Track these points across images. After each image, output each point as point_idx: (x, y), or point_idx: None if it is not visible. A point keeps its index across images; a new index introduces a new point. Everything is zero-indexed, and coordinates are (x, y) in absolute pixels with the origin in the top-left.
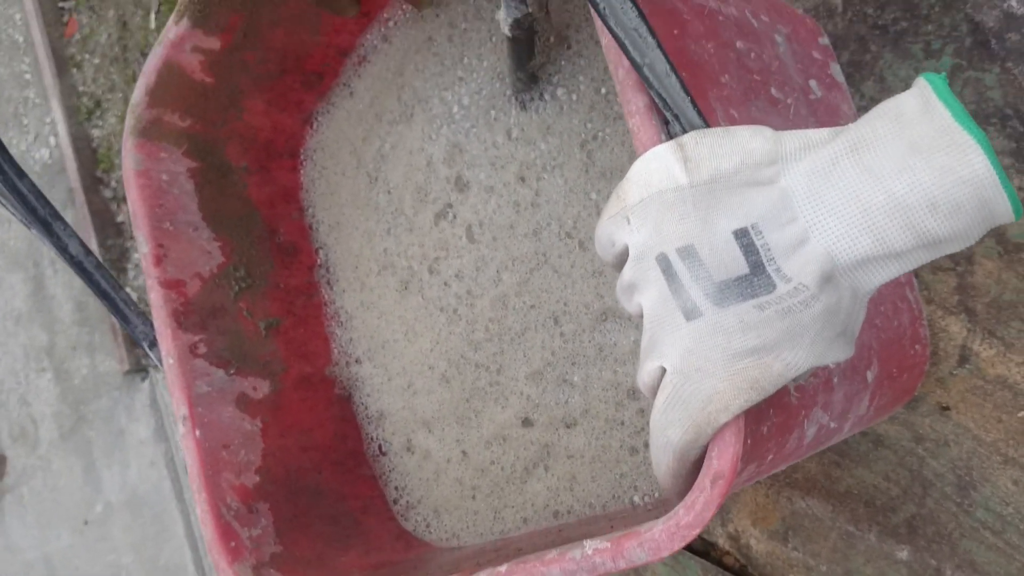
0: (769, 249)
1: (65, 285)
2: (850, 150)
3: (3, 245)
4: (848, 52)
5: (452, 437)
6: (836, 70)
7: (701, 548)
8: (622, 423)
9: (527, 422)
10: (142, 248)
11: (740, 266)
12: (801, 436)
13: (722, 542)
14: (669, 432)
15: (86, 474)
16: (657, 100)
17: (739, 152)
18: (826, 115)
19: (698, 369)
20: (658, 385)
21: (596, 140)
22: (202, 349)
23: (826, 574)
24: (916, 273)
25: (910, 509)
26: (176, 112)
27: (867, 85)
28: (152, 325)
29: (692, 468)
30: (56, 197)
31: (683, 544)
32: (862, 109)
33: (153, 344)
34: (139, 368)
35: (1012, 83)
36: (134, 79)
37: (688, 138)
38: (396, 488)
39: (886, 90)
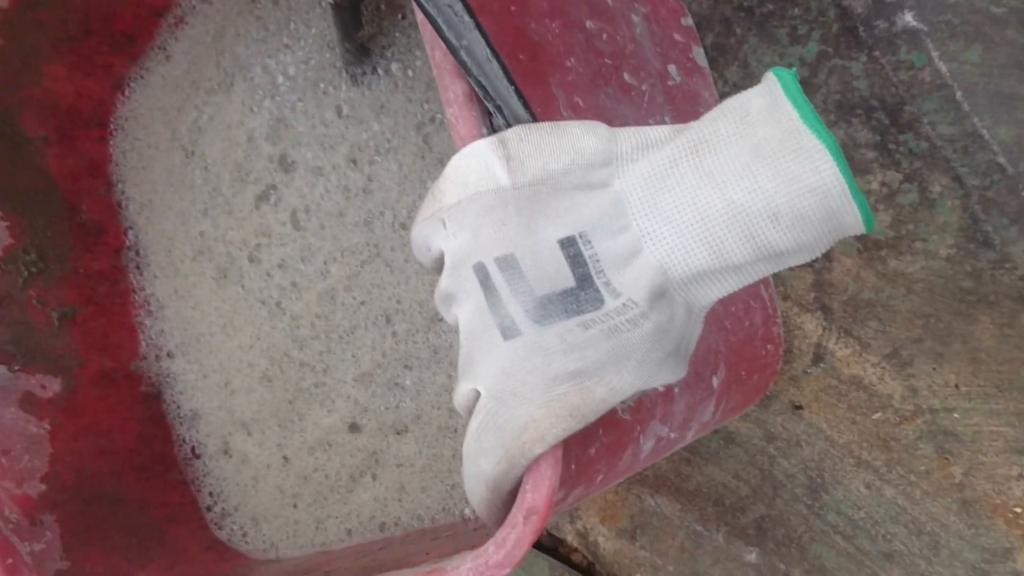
0: (598, 260)
1: None
2: (690, 152)
3: None
4: (712, 35)
5: (273, 441)
6: (699, 53)
7: (549, 545)
8: (455, 431)
9: (354, 427)
10: None
11: (565, 279)
12: (636, 452)
13: (570, 539)
14: (481, 462)
15: None
16: (477, 88)
17: (569, 151)
18: (684, 102)
19: (514, 393)
20: (472, 409)
21: (434, 123)
22: None
23: (673, 573)
24: None
25: (760, 510)
26: None
27: (731, 70)
28: None
29: (507, 498)
30: None
31: None
32: (725, 95)
33: None
34: None
35: (879, 73)
36: None
37: (512, 133)
38: (211, 494)
39: (750, 76)
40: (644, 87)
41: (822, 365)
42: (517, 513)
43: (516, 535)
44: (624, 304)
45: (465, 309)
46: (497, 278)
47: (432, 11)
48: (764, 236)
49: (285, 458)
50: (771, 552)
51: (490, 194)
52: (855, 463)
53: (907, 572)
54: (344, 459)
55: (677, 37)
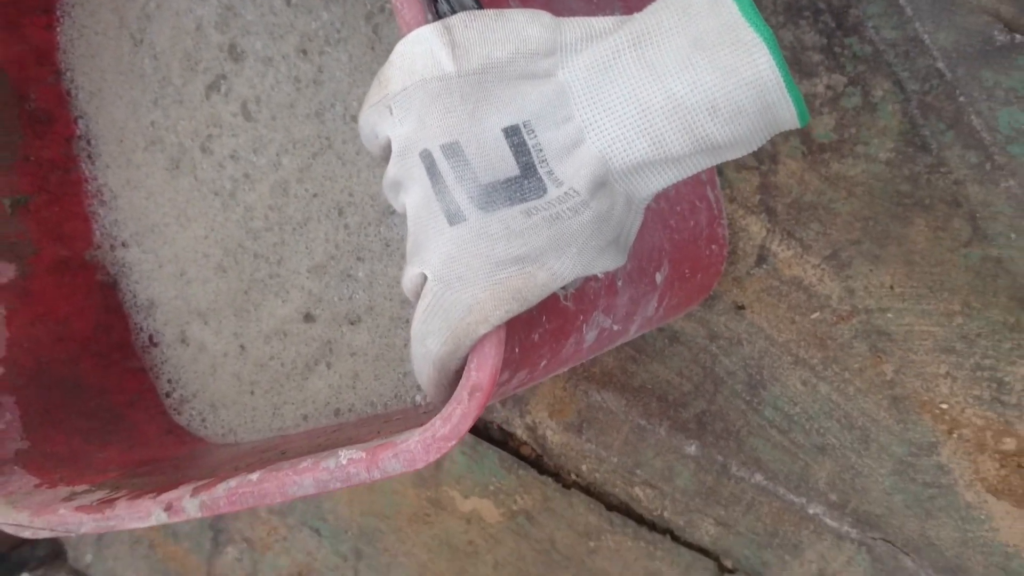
0: (542, 150)
1: None
2: (632, 43)
3: None
4: None
5: (229, 330)
6: None
7: (499, 438)
8: (406, 321)
9: (309, 317)
10: None
11: (510, 167)
12: (580, 340)
13: (520, 432)
14: (428, 342)
15: None
16: None
17: (513, 39)
18: None
19: (459, 277)
20: (420, 292)
21: (383, 13)
22: None
23: (616, 465)
24: (720, 170)
25: (701, 405)
26: None
27: None
28: None
29: (454, 378)
30: None
31: (438, 456)
32: None
33: None
34: None
35: None
36: None
37: (456, 19)
38: (169, 381)
39: None
40: None
41: (765, 266)
42: (462, 390)
43: (462, 410)
44: (566, 193)
45: (412, 195)
46: (443, 165)
47: None
48: (702, 128)
49: (242, 347)
50: (710, 445)
51: (436, 81)
52: (793, 361)
53: (838, 464)
54: (299, 348)
55: None
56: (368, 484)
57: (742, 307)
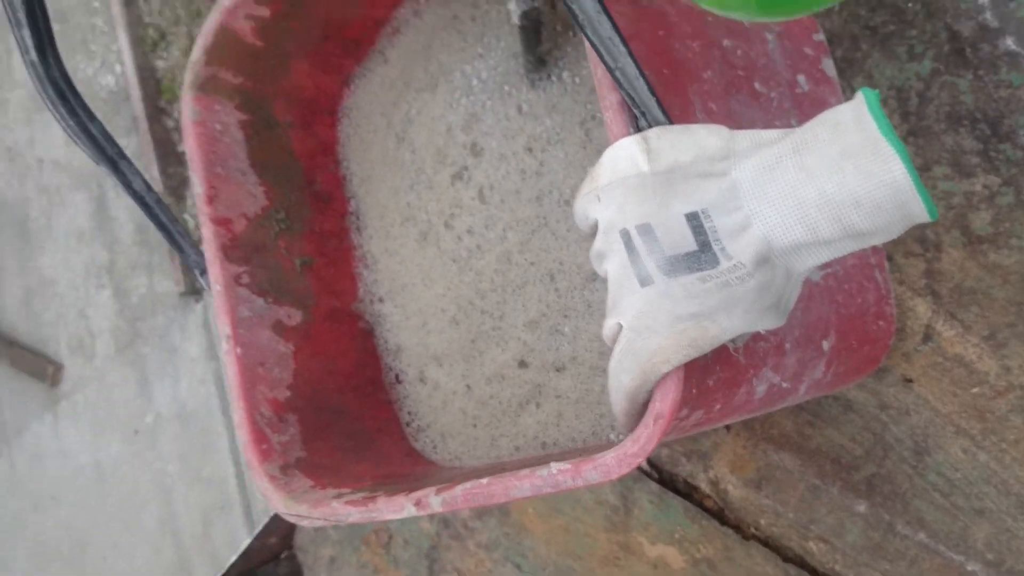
0: (716, 231)
1: (127, 208)
2: (792, 151)
3: (68, 164)
4: (841, 49)
5: (459, 372)
6: (828, 65)
7: (684, 490)
8: (604, 371)
9: (523, 364)
10: (196, 189)
11: (689, 244)
12: (750, 392)
13: (703, 486)
14: (622, 378)
15: (139, 387)
16: (627, 99)
17: (696, 147)
18: (811, 108)
19: (647, 327)
20: (617, 338)
21: (594, 120)
22: (245, 279)
23: (792, 521)
24: (890, 256)
25: (871, 468)
26: (230, 70)
27: (857, 81)
28: (203, 255)
29: (641, 409)
30: (120, 124)
31: (629, 469)
32: None
33: (204, 272)
34: (194, 291)
35: (983, 89)
36: (199, 14)
37: (652, 132)
38: (409, 413)
39: (873, 87)
40: (773, 95)
41: (930, 344)
42: (648, 417)
43: (647, 433)
44: (735, 265)
45: (612, 263)
46: (637, 241)
47: (596, 42)
48: (848, 219)
49: (468, 386)
50: (878, 505)
51: (634, 177)
52: (955, 431)
53: (995, 527)
54: (514, 389)
55: (808, 51)
56: (570, 490)
57: (910, 380)
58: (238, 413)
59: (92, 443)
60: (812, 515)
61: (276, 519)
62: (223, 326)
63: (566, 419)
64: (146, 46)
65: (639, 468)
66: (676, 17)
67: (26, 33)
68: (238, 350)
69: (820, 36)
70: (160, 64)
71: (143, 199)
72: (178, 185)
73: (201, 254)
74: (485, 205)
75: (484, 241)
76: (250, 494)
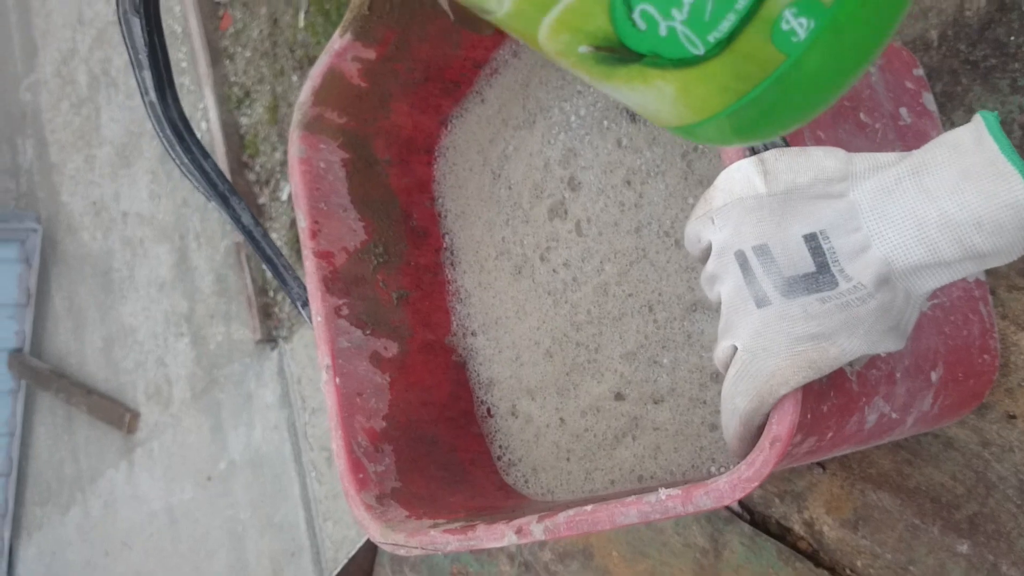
0: (834, 252)
1: (207, 258)
2: (911, 172)
3: (152, 218)
4: (941, 83)
5: (552, 405)
6: (928, 99)
7: (777, 532)
8: (704, 402)
9: (619, 396)
10: (301, 223)
11: (807, 265)
12: (861, 421)
13: (797, 528)
14: (737, 400)
15: (213, 433)
16: None
17: (813, 168)
18: (914, 140)
19: (764, 349)
20: (730, 361)
21: (696, 152)
22: (345, 311)
23: (891, 562)
24: (992, 290)
25: (973, 507)
26: (335, 111)
27: (957, 115)
28: (305, 288)
29: (755, 433)
30: None
31: (743, 495)
32: None
33: (305, 304)
34: (270, 338)
35: None
36: (282, 73)
37: (769, 154)
38: (500, 447)
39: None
40: (878, 126)
41: None
42: (764, 440)
43: (763, 457)
44: (854, 286)
45: (727, 285)
46: (753, 262)
47: None
48: (969, 240)
49: (561, 419)
50: (981, 545)
51: (750, 199)
52: None
53: None
54: (610, 422)
55: (909, 85)
56: (678, 516)
57: (1013, 416)
58: (336, 442)
59: (165, 489)
60: (911, 556)
61: (348, 566)
62: (323, 356)
63: (664, 452)
64: (231, 104)
65: (730, 509)
66: None
67: (147, 75)
68: (337, 380)
69: (919, 71)
70: (244, 121)
71: (251, 233)
72: None
73: (303, 287)
74: (582, 238)
75: (580, 273)
76: (320, 541)
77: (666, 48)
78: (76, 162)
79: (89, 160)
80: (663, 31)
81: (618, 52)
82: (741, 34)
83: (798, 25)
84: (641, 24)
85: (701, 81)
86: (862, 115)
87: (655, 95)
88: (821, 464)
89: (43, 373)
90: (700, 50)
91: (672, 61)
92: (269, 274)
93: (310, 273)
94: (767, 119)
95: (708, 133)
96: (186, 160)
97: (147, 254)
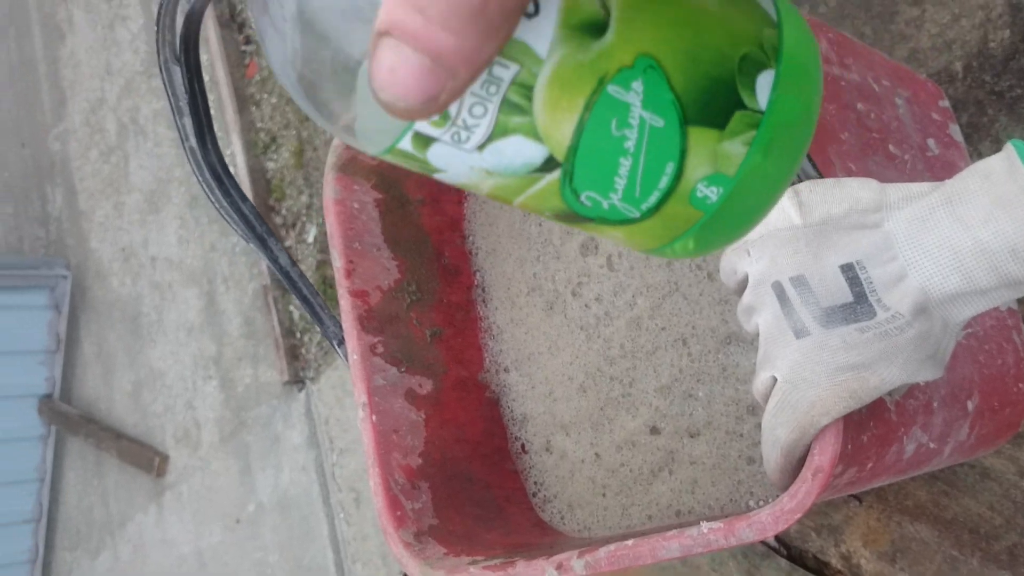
0: (871, 282)
1: (235, 301)
2: (945, 202)
3: (181, 263)
4: (967, 114)
5: (587, 440)
6: (955, 130)
7: (815, 567)
8: (741, 435)
9: (655, 430)
10: (336, 263)
11: (845, 295)
12: (900, 451)
13: (835, 562)
14: (778, 432)
15: (241, 476)
16: None
17: (848, 199)
18: (942, 170)
19: (804, 379)
20: (769, 393)
21: None
22: (380, 349)
23: None
24: None
25: (1012, 538)
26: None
27: (984, 145)
28: (340, 327)
29: (796, 465)
30: None
31: (785, 527)
32: None
33: (341, 343)
34: (297, 379)
35: None
36: (307, 118)
37: (803, 186)
38: (535, 483)
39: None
40: (906, 156)
41: None
42: (807, 471)
43: (805, 488)
44: (892, 315)
45: (764, 317)
46: (791, 292)
47: None
48: (1005, 267)
49: (596, 455)
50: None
51: (786, 230)
52: None
53: None
54: (646, 456)
55: (935, 116)
56: (720, 550)
57: None
58: (374, 480)
59: (194, 532)
60: None
61: None
62: (360, 394)
63: (701, 486)
64: (257, 149)
65: (766, 544)
66: None
67: (187, 121)
68: (374, 417)
69: (945, 103)
70: (270, 165)
71: (288, 273)
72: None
73: (339, 325)
74: (614, 272)
75: (613, 308)
76: None
77: (609, 215)
78: (105, 209)
79: (118, 207)
80: (605, 206)
81: (575, 217)
82: (666, 202)
83: (710, 192)
84: (587, 203)
85: (641, 232)
86: (891, 147)
87: (610, 237)
88: (857, 497)
89: (73, 418)
90: (636, 215)
91: (615, 222)
92: (296, 315)
93: (346, 312)
94: (702, 249)
95: (677, 250)
96: (225, 203)
97: (175, 298)
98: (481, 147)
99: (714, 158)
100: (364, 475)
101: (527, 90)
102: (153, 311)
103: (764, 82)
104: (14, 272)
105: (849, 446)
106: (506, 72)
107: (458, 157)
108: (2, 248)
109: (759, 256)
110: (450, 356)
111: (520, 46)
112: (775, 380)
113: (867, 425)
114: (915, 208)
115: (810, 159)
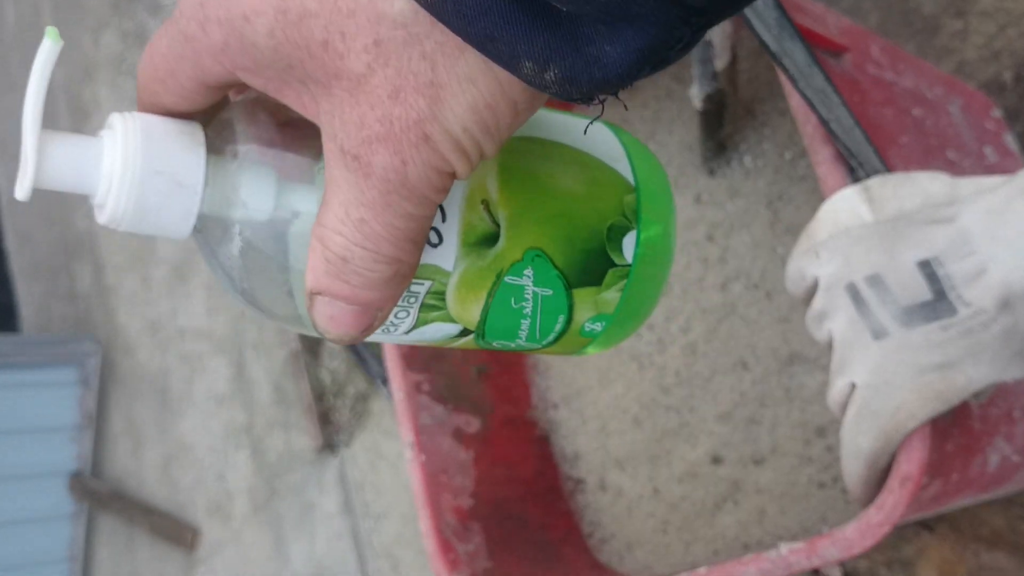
0: (950, 278)
1: (265, 369)
2: (1021, 192)
3: (210, 333)
4: (1021, 124)
5: (644, 475)
6: (1010, 140)
7: None
8: (810, 459)
9: (716, 459)
10: None
11: (924, 293)
12: (984, 463)
13: None
14: (860, 440)
15: (275, 546)
16: (843, 150)
17: (920, 193)
18: None
19: (886, 382)
20: (847, 401)
21: (782, 199)
22: (425, 387)
23: None
24: None
25: None
26: None
27: None
28: (383, 365)
29: (880, 476)
30: None
31: (873, 542)
32: None
33: (385, 381)
34: (330, 444)
35: None
36: None
37: (873, 181)
38: (590, 523)
39: None
40: (965, 164)
41: None
42: (893, 480)
43: (893, 499)
44: (975, 312)
45: (838, 321)
46: (867, 292)
47: (809, 94)
48: None
49: (655, 489)
50: None
51: (858, 228)
52: None
53: None
54: (708, 488)
55: (988, 126)
56: (802, 571)
57: None
58: (424, 522)
59: None
60: None
61: None
62: (406, 434)
63: (770, 516)
64: None
65: None
66: (867, 85)
67: None
68: (422, 457)
69: (997, 113)
70: None
71: None
72: (314, 343)
73: (382, 364)
74: (665, 298)
75: (666, 335)
76: None
77: (517, 349)
78: (133, 283)
79: (146, 280)
80: (513, 346)
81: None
82: (561, 338)
83: (596, 326)
84: (498, 346)
85: (551, 352)
86: (950, 153)
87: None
88: (928, 526)
89: (103, 495)
90: (540, 346)
91: (523, 351)
92: (328, 380)
93: (389, 350)
94: (602, 350)
95: (629, 330)
96: None
97: (205, 368)
98: (407, 333)
99: (595, 306)
100: (401, 541)
101: (440, 295)
102: (182, 383)
103: (629, 241)
104: (44, 350)
105: (934, 455)
106: (422, 288)
107: (391, 338)
108: (32, 326)
109: (830, 257)
110: (497, 393)
111: (431, 268)
112: (853, 387)
113: (951, 433)
114: (990, 200)
115: (876, 153)
